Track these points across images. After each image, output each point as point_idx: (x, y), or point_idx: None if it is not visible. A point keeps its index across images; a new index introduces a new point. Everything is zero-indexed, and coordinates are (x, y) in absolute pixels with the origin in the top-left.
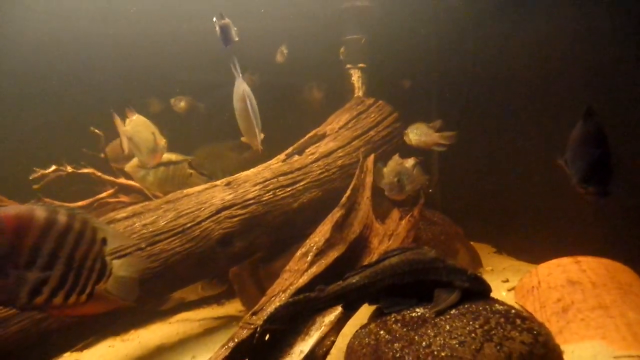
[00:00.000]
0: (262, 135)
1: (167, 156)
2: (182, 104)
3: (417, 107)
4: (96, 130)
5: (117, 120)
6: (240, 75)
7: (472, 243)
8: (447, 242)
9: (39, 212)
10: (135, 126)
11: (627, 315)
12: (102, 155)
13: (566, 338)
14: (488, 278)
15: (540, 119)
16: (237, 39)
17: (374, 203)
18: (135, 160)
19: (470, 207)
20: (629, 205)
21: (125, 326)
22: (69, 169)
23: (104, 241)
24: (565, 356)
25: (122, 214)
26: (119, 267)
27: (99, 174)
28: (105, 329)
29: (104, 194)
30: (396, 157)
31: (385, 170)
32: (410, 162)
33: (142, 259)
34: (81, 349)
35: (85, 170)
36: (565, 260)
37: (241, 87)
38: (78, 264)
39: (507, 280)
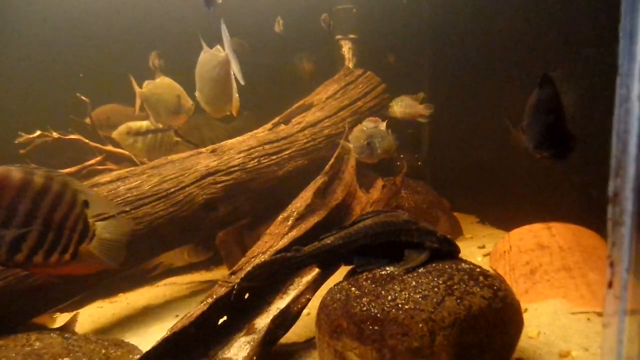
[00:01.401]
0: (237, 102)
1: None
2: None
3: (407, 79)
4: (82, 97)
5: (133, 81)
6: (228, 38)
7: (458, 214)
8: (429, 210)
9: (15, 172)
10: (154, 88)
11: (587, 275)
12: (88, 121)
13: (532, 297)
14: (467, 244)
15: (528, 93)
16: (220, 1)
17: (360, 174)
18: (122, 127)
19: (458, 179)
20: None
21: (114, 290)
22: (55, 134)
23: (85, 203)
24: (529, 313)
25: (105, 178)
26: (103, 229)
27: (86, 140)
28: (92, 288)
29: (92, 161)
30: (369, 119)
31: (354, 131)
32: (382, 125)
33: (128, 222)
34: (70, 310)
35: (72, 137)
36: (537, 226)
37: (221, 54)
38: (57, 224)
39: (483, 246)
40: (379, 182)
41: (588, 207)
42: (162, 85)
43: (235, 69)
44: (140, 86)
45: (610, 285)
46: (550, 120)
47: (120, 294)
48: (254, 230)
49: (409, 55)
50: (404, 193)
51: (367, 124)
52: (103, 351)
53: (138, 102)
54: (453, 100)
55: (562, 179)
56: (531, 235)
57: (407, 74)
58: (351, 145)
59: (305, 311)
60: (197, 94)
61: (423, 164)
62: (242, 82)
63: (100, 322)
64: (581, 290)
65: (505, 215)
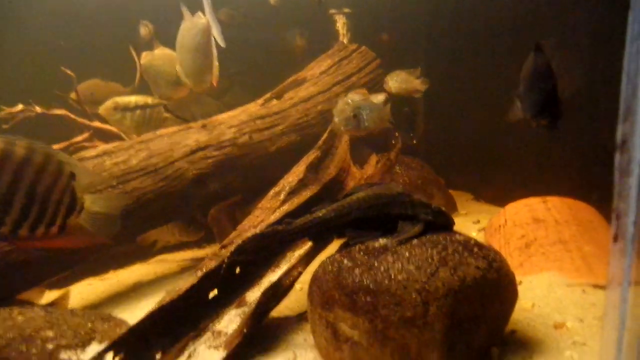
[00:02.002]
0: (217, 71)
1: (144, 99)
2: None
3: (402, 55)
4: (67, 71)
5: (133, 52)
6: (209, 2)
7: (453, 192)
8: (424, 186)
9: None
10: (153, 59)
11: (583, 248)
12: (73, 96)
13: (526, 270)
14: (461, 220)
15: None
16: None
17: (354, 150)
18: (109, 102)
19: (452, 157)
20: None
21: (104, 268)
22: (38, 109)
23: (72, 176)
24: (523, 286)
25: (91, 152)
26: (93, 202)
27: (73, 116)
28: (80, 264)
29: (79, 138)
30: (355, 92)
31: (338, 104)
32: (379, 97)
33: (120, 195)
34: (59, 287)
35: (57, 112)
36: (533, 200)
37: (202, 20)
38: (42, 196)
39: (478, 222)
40: (373, 158)
41: (583, 183)
42: (162, 56)
43: (215, 33)
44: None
45: (615, 238)
46: (549, 88)
47: (111, 271)
48: (246, 207)
49: (404, 30)
50: (399, 169)
51: (353, 97)
52: (89, 325)
53: (139, 74)
54: (448, 77)
55: (556, 155)
56: (527, 209)
57: (402, 50)
58: (336, 119)
59: (297, 286)
60: (177, 67)
61: (418, 142)
62: (222, 45)
63: (90, 299)
64: (577, 263)
65: (500, 192)
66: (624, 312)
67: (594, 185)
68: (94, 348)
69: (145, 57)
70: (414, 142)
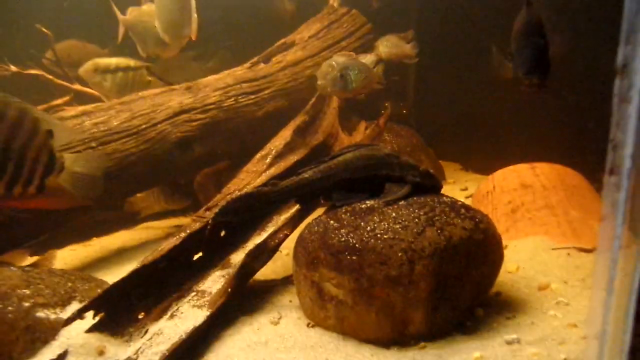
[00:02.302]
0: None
1: (126, 61)
2: None
3: (394, 19)
4: (44, 29)
5: (115, 8)
6: None
7: (442, 162)
8: (412, 153)
9: None
10: (140, 15)
11: (569, 213)
12: (49, 56)
13: (512, 235)
14: (449, 188)
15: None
16: None
17: (343, 118)
18: (89, 64)
19: (442, 128)
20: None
21: (88, 234)
22: (13, 68)
23: (50, 134)
24: (509, 250)
25: (70, 112)
26: (73, 162)
27: (50, 77)
28: (61, 229)
29: (58, 101)
30: (340, 54)
31: (322, 66)
32: (368, 58)
33: (102, 156)
34: (43, 252)
35: (33, 72)
36: (521, 166)
37: None
38: (17, 153)
39: (466, 189)
40: (362, 125)
41: (572, 153)
42: (149, 12)
43: None
44: (123, 13)
45: (611, 172)
46: (542, 44)
47: (94, 238)
48: (233, 173)
49: None
50: (387, 136)
51: (338, 59)
52: (69, 284)
53: (121, 31)
54: (439, 47)
55: (545, 125)
56: (515, 175)
57: (393, 15)
58: (319, 82)
59: (284, 251)
60: (156, 23)
61: (408, 111)
62: None
63: (72, 264)
64: (563, 228)
65: (488, 162)
66: (617, 247)
67: (582, 154)
68: (74, 307)
69: (132, 13)
70: (404, 111)
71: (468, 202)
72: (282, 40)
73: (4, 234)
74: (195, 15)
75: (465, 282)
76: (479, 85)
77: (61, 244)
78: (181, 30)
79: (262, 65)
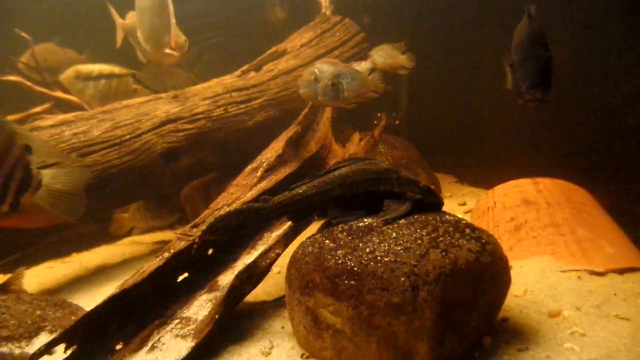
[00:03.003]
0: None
1: (109, 68)
2: None
3: (388, 28)
4: (22, 33)
5: (113, 11)
6: None
7: (437, 174)
8: (408, 166)
9: None
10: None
11: (576, 232)
12: (24, 60)
13: (516, 254)
14: (447, 202)
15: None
16: None
17: (336, 129)
18: (70, 71)
19: (436, 139)
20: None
21: (68, 250)
22: None
23: (27, 149)
24: (514, 271)
25: (48, 122)
26: (52, 178)
27: (29, 84)
28: (35, 245)
29: (38, 108)
30: (323, 60)
31: (303, 74)
32: (363, 65)
33: (83, 170)
34: (5, 271)
35: (11, 78)
36: (523, 181)
37: None
38: None
39: (464, 204)
40: (356, 136)
41: (571, 166)
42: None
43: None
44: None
45: None
46: (546, 57)
47: (74, 254)
48: (221, 185)
49: (388, 5)
50: (382, 148)
51: (320, 66)
52: (38, 312)
53: (119, 36)
54: (433, 57)
55: (542, 139)
56: (517, 191)
57: (386, 27)
58: (300, 90)
59: (275, 269)
60: (137, 33)
61: (401, 123)
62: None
63: (49, 283)
64: (571, 248)
65: (483, 175)
66: None
67: (581, 168)
68: (43, 339)
69: (131, 18)
70: (397, 122)
71: (467, 217)
72: (274, 49)
73: None
74: (174, 22)
75: (472, 309)
76: (473, 96)
77: (38, 260)
78: (161, 39)
79: (252, 73)
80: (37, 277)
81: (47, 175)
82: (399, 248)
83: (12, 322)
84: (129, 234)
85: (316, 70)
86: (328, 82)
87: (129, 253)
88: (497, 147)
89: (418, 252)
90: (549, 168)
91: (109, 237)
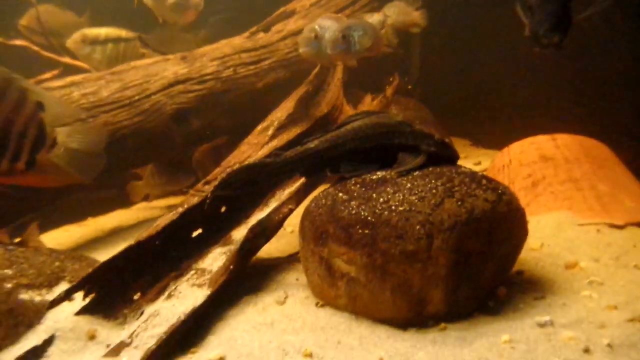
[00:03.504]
0: None
1: (116, 32)
2: None
3: None
4: None
5: None
6: None
7: (451, 137)
8: (422, 127)
9: None
10: None
11: (597, 187)
12: (24, 23)
13: (533, 210)
14: (462, 162)
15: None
16: None
17: (349, 92)
18: (77, 35)
19: (451, 102)
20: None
21: (83, 215)
22: None
23: (40, 106)
24: (530, 226)
25: (57, 83)
26: (68, 136)
27: (36, 48)
28: (49, 206)
29: (47, 75)
30: (325, 16)
31: (303, 31)
32: (375, 17)
33: (101, 128)
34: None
35: (18, 42)
36: (540, 138)
37: None
38: (0, 126)
39: (479, 163)
40: (368, 97)
41: (593, 126)
42: None
43: None
44: None
45: None
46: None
47: (90, 218)
48: (232, 149)
49: None
50: (395, 109)
51: (323, 22)
52: (57, 264)
53: None
54: (446, 16)
55: (563, 97)
56: (534, 147)
57: None
58: (300, 49)
59: (289, 229)
60: None
61: (413, 87)
62: None
63: (66, 244)
64: (590, 202)
65: (499, 138)
66: None
67: (605, 125)
68: (63, 288)
69: None
70: (409, 87)
71: None
72: (282, 9)
73: None
74: None
75: (487, 259)
76: (488, 57)
77: (55, 225)
78: None
79: (261, 34)
80: (55, 239)
81: (62, 133)
82: (414, 197)
83: (31, 271)
84: (144, 199)
85: (317, 27)
86: (338, 34)
87: (143, 216)
88: (512, 109)
89: (433, 201)
90: (566, 128)
91: (123, 202)
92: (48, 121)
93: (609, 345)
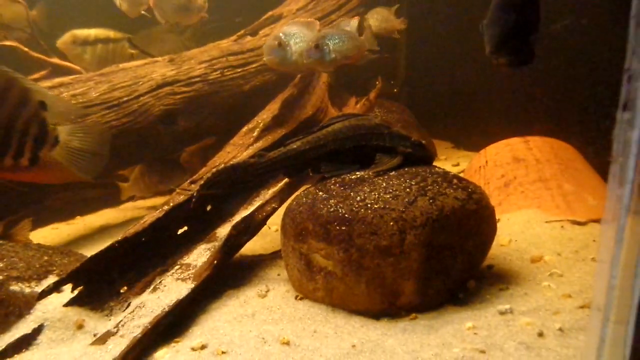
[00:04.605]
0: None
1: (105, 33)
2: None
3: None
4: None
5: None
6: None
7: (433, 140)
8: (404, 129)
9: None
10: None
11: (563, 186)
12: None
13: (505, 209)
14: (440, 164)
15: None
16: None
17: (335, 95)
18: (67, 36)
19: (434, 106)
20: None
21: (71, 213)
22: None
23: (42, 105)
24: (501, 223)
25: (46, 83)
26: (69, 134)
27: (26, 49)
28: (39, 204)
29: (35, 75)
30: (292, 22)
31: (268, 38)
32: (351, 23)
33: (102, 129)
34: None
35: (7, 43)
36: (514, 140)
37: None
38: (3, 124)
39: (457, 164)
40: (352, 100)
41: (565, 130)
42: None
43: None
44: None
45: (624, 107)
46: (511, 21)
47: (78, 217)
48: (219, 150)
49: None
50: (378, 112)
51: (288, 29)
52: (45, 258)
53: None
54: (430, 23)
55: (535, 103)
56: (508, 149)
57: None
58: (265, 58)
59: (273, 227)
60: None
61: (399, 90)
62: None
63: (55, 242)
64: (557, 201)
65: (480, 140)
66: (628, 193)
67: (573, 129)
68: (51, 281)
69: None
70: (394, 90)
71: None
72: (270, 13)
73: None
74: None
75: (457, 253)
76: (469, 63)
77: (43, 223)
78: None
79: (248, 38)
80: (44, 238)
81: (63, 131)
82: (388, 196)
83: (20, 264)
84: (129, 200)
85: (281, 35)
86: (312, 43)
87: (130, 215)
88: (492, 113)
89: (406, 200)
90: (544, 131)
91: (111, 202)
92: (50, 120)
93: (560, 329)
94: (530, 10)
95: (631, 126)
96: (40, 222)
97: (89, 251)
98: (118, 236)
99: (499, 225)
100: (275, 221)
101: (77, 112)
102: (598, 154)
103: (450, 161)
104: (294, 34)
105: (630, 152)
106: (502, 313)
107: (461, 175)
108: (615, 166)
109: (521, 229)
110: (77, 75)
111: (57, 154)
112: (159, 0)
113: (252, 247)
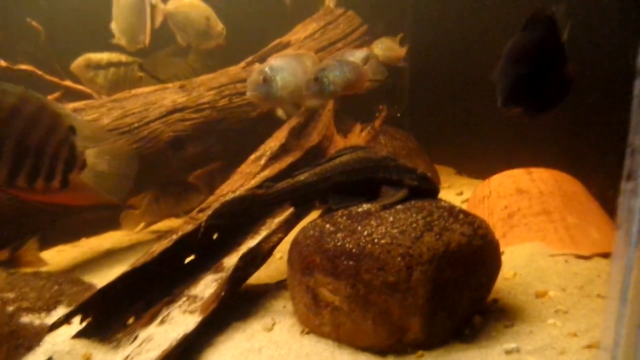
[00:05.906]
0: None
1: (117, 56)
2: None
3: (390, 21)
4: (34, 23)
5: None
6: None
7: (436, 166)
8: (408, 156)
9: None
10: (181, 6)
11: (566, 219)
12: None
13: (508, 241)
14: (444, 192)
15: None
16: None
17: (339, 120)
18: (81, 59)
19: (437, 132)
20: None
21: (76, 235)
22: (2, 63)
23: (72, 130)
24: (505, 256)
25: None
26: (96, 158)
27: (40, 73)
28: (49, 227)
29: (48, 98)
30: (275, 56)
31: (255, 70)
32: (357, 54)
33: (129, 153)
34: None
35: (23, 67)
36: (518, 171)
37: None
38: (35, 148)
39: (461, 193)
40: (357, 127)
41: (566, 158)
42: (190, 4)
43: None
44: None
45: (628, 177)
46: (522, 72)
47: (83, 239)
48: (225, 174)
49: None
50: (383, 139)
51: (274, 63)
52: (55, 287)
53: (159, 20)
54: (435, 49)
55: (539, 131)
56: (511, 180)
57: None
58: (248, 93)
59: (277, 255)
60: (112, 24)
61: (402, 115)
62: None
63: (62, 265)
64: (560, 234)
65: (483, 167)
66: (632, 255)
67: (577, 160)
68: (61, 312)
69: (172, 4)
70: (398, 115)
71: (464, 206)
72: (278, 40)
73: None
74: (149, 23)
75: (463, 289)
76: (473, 89)
77: (49, 244)
78: (136, 36)
79: (257, 65)
80: (50, 259)
81: (91, 154)
82: (395, 231)
83: (31, 294)
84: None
85: (267, 69)
86: (311, 76)
87: (136, 239)
88: (496, 139)
89: (413, 235)
90: (547, 158)
91: (116, 223)
92: (79, 144)
93: None
94: (547, 56)
95: (635, 195)
96: (46, 244)
97: (96, 276)
98: (123, 260)
99: (503, 257)
100: (280, 248)
101: (104, 135)
102: (602, 186)
103: (454, 189)
104: (282, 68)
105: (634, 219)
106: (508, 352)
107: (465, 205)
108: (621, 232)
109: (525, 262)
110: (90, 101)
111: (85, 177)
112: (180, 23)
113: (257, 275)
